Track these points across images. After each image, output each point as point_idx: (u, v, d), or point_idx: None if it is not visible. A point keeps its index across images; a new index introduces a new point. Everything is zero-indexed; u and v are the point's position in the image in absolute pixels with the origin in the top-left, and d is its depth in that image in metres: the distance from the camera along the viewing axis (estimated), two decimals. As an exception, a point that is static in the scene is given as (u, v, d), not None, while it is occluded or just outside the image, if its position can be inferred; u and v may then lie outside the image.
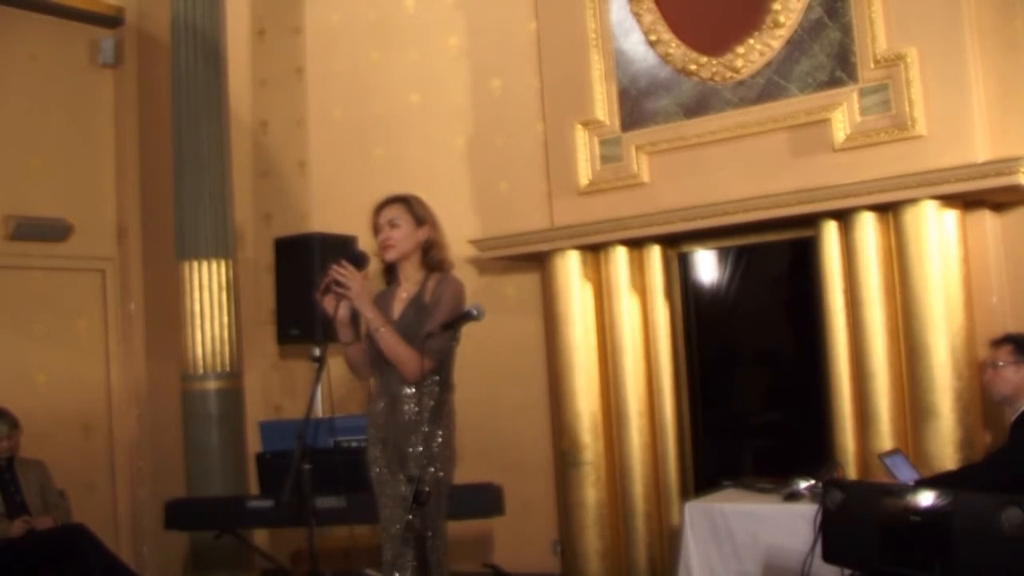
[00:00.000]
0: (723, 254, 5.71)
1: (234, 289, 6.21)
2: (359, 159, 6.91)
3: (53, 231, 6.75)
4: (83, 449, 6.76)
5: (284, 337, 6.28)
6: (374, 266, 4.06)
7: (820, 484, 4.24)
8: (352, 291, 3.81)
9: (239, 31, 6.81)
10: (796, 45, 5.28)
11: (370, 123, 6.94)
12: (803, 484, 4.48)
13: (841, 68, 5.13)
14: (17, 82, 6.67)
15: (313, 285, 5.84)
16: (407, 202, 4.02)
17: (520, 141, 6.36)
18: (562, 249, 5.85)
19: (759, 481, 4.82)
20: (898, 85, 4.96)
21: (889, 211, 4.94)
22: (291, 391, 6.98)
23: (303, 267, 6.06)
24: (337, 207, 6.73)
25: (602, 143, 5.91)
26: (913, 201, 4.82)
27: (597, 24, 5.94)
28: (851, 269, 5.01)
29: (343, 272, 3.81)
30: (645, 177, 5.75)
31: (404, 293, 3.99)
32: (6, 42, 6.63)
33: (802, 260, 5.33)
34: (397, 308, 3.97)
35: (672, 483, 5.62)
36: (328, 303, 3.87)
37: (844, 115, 5.10)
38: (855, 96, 5.08)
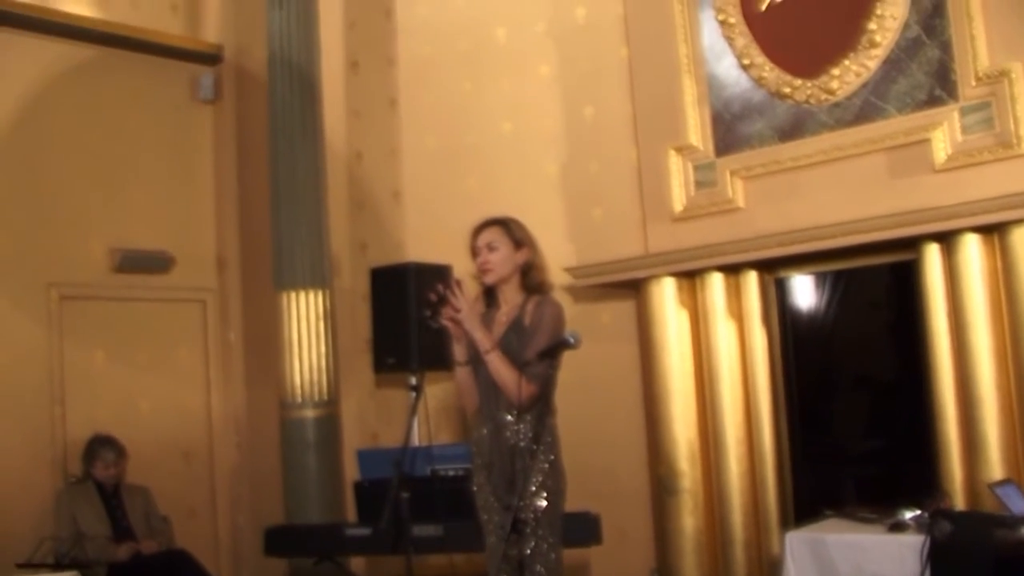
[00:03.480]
0: (820, 279, 5.64)
1: (331, 318, 6.25)
2: (453, 188, 6.95)
3: (156, 263, 6.87)
4: (184, 475, 6.85)
5: (380, 366, 6.30)
6: (472, 289, 4.04)
7: (927, 514, 4.15)
8: (462, 312, 3.78)
9: (333, 64, 6.90)
10: (893, 64, 5.21)
11: (463, 152, 6.98)
12: (909, 514, 4.37)
13: (941, 86, 5.05)
14: (121, 120, 6.84)
15: (409, 314, 6.03)
16: (505, 225, 4.01)
17: (613, 168, 6.35)
18: (657, 276, 5.83)
19: (861, 510, 4.71)
20: (1002, 102, 4.87)
21: (994, 232, 4.84)
22: (387, 419, 6.99)
23: (399, 296, 6.08)
24: (431, 236, 6.76)
25: (696, 168, 5.89)
26: (1020, 222, 4.72)
27: (689, 49, 5.93)
28: (955, 292, 4.92)
29: (454, 293, 3.79)
30: (740, 202, 5.72)
31: (504, 316, 3.95)
32: (111, 82, 6.81)
33: (902, 284, 5.25)
34: (497, 331, 3.94)
35: (771, 511, 5.55)
36: (447, 322, 3.85)
37: (944, 134, 5.02)
38: (956, 115, 5.00)
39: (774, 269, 5.68)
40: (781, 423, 5.65)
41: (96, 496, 5.91)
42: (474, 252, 4.00)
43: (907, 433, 5.23)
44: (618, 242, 6.19)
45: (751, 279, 5.66)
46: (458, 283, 3.82)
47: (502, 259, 3.94)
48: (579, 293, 6.28)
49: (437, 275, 5.78)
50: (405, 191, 7.18)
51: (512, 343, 3.85)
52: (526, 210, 5.98)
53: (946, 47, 5.03)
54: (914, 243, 5.04)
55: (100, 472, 5.95)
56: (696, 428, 5.76)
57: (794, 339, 5.70)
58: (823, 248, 5.27)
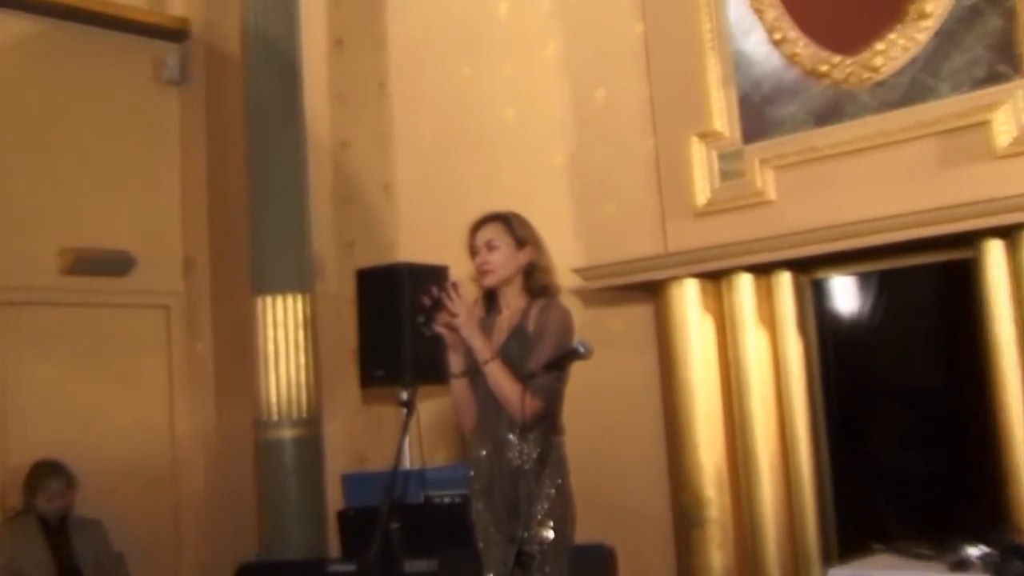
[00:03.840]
0: (864, 280, 5.53)
1: (313, 326, 6.30)
2: (449, 181, 6.96)
3: (113, 264, 6.90)
4: (145, 506, 6.83)
5: (368, 379, 6.32)
6: (470, 292, 4.12)
7: (997, 552, 4.06)
8: (460, 318, 3.85)
9: (315, 43, 7.00)
10: (946, 38, 5.11)
11: (461, 142, 7.00)
12: (973, 550, 4.24)
13: (1004, 61, 4.93)
14: (74, 103, 6.91)
15: (401, 321, 6.03)
16: (507, 221, 4.12)
17: (628, 158, 6.30)
18: (678, 277, 5.75)
19: (916, 545, 4.59)
20: (1077, 78, 4.81)
21: (1066, 226, 4.76)
22: (377, 440, 7.01)
23: (389, 301, 6.12)
24: (426, 234, 6.80)
25: (721, 157, 5.82)
26: (1098, 214, 4.64)
27: (712, 24, 5.86)
28: (1021, 294, 4.81)
29: (451, 296, 3.87)
30: (771, 194, 5.63)
31: (505, 323, 4.04)
32: (62, 60, 6.88)
33: (958, 285, 5.12)
34: (497, 339, 4.01)
35: (811, 546, 5.45)
36: (442, 329, 3.97)
37: (1008, 116, 4.90)
38: (1022, 93, 4.88)
39: (810, 269, 5.58)
40: (821, 444, 5.55)
41: (38, 532, 5.81)
42: (472, 251, 4.10)
43: (967, 456, 5.12)
44: (633, 240, 6.15)
45: (784, 281, 5.57)
46: (455, 286, 3.91)
47: (503, 259, 4.05)
48: (590, 297, 6.23)
49: (432, 277, 5.83)
50: (396, 184, 7.20)
51: (514, 352, 3.92)
52: (530, 205, 6.01)
53: (1010, 15, 4.91)
54: (972, 239, 4.92)
55: (44, 504, 5.86)
56: (723, 450, 5.67)
57: (834, 348, 5.60)
58: (866, 245, 5.15)
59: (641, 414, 6.15)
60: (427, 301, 3.90)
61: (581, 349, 3.69)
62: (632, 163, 6.27)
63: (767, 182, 5.63)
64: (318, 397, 6.29)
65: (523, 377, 3.76)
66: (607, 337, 6.19)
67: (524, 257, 4.06)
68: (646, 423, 6.13)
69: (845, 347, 5.58)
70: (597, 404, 6.04)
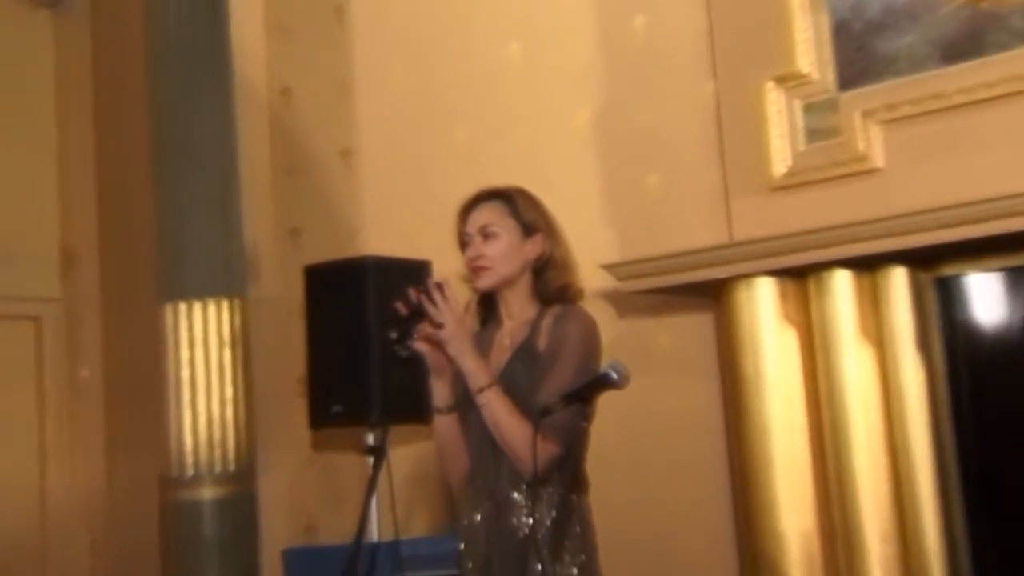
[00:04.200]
0: (1011, 278, 5.54)
1: (244, 345, 6.33)
2: (431, 145, 7.02)
3: None
4: None
5: (322, 417, 6.36)
6: (461, 295, 4.10)
7: None
8: (447, 331, 3.86)
9: None
10: None
11: (448, 89, 7.04)
12: None
13: None
14: None
15: (366, 337, 6.04)
16: (509, 200, 4.13)
17: (678, 111, 6.35)
18: (748, 275, 5.77)
19: None
20: None
21: None
22: (332, 501, 7.03)
23: (350, 310, 6.16)
24: (400, 218, 6.88)
25: (808, 109, 5.85)
26: None
27: None
28: None
29: (434, 302, 3.87)
30: (878, 160, 5.66)
31: (508, 338, 4.06)
32: None
33: None
34: (499, 359, 4.02)
35: None
36: (423, 347, 3.98)
37: None
38: None
39: (933, 264, 5.59)
40: (953, 506, 5.52)
41: None
42: (462, 242, 4.13)
43: None
44: (685, 225, 6.21)
45: (897, 279, 5.59)
46: (440, 287, 3.91)
47: (504, 252, 4.07)
48: (626, 303, 6.28)
49: (408, 276, 5.73)
50: (359, 149, 7.28)
51: (521, 378, 3.94)
52: (543, 178, 5.97)
53: None
54: None
55: None
56: (814, 514, 5.68)
57: (968, 372, 5.58)
58: (1011, 231, 5.14)
59: (697, 461, 6.17)
60: (402, 309, 3.90)
61: (613, 374, 3.64)
62: (683, 119, 6.30)
63: (872, 143, 5.65)
64: (251, 443, 6.28)
65: (533, 412, 3.72)
66: (649, 357, 6.22)
67: (533, 249, 4.07)
68: (704, 475, 6.15)
69: (984, 370, 5.56)
70: (637, 448, 6.11)
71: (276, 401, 6.87)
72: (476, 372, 3.86)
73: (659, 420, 6.18)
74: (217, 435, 6.18)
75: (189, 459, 6.14)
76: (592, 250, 5.91)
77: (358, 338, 6.09)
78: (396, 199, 7.04)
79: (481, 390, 3.84)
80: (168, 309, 6.21)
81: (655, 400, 6.08)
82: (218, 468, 6.16)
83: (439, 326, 3.84)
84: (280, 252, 7.17)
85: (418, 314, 3.88)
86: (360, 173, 7.27)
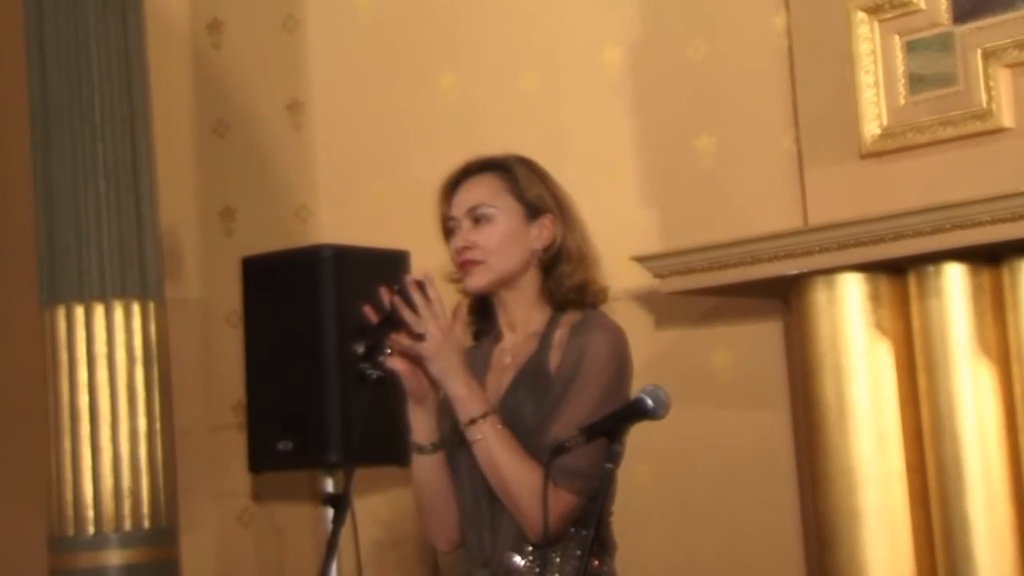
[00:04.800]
0: None
1: (161, 361, 6.37)
2: (408, 96, 7.06)
3: None
4: None
5: (264, 457, 6.42)
6: (449, 298, 4.07)
7: None
8: (429, 344, 3.83)
9: None
10: None
11: (429, 21, 7.11)
12: None
13: None
14: None
15: (322, 352, 6.11)
16: (507, 171, 4.12)
17: (737, 51, 6.44)
18: (829, 271, 5.85)
19: None
20: None
21: None
22: (277, 568, 7.11)
23: (302, 314, 6.22)
24: (366, 193, 6.99)
25: (911, 48, 5.93)
26: None
27: None
28: None
29: (413, 305, 3.84)
30: (1005, 117, 5.72)
31: (509, 356, 4.06)
32: None
33: None
34: (497, 382, 4.04)
35: None
36: (398, 366, 3.93)
37: None
38: None
39: None
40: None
41: None
42: (447, 227, 4.13)
43: None
44: (745, 204, 6.31)
45: None
46: (420, 286, 3.88)
47: (502, 240, 4.05)
48: (665, 307, 6.38)
49: (378, 271, 5.88)
50: (312, 101, 7.35)
51: (526, 407, 3.93)
52: (556, 140, 6.23)
53: None
54: None
55: None
56: None
57: None
58: None
59: (760, 515, 6.23)
60: (371, 315, 3.89)
61: (648, 402, 3.59)
62: (744, 62, 6.39)
63: (998, 94, 5.71)
64: (171, 492, 6.31)
65: (543, 452, 3.69)
66: (697, 379, 6.30)
67: (540, 236, 4.06)
68: (769, 531, 6.22)
69: None
70: (680, 498, 6.17)
71: (204, 436, 6.94)
72: (468, 398, 3.83)
73: (709, 461, 6.22)
74: (126, 481, 6.18)
75: (88, 514, 6.15)
76: (622, 237, 6.00)
77: (312, 353, 6.15)
78: (360, 169, 7.10)
79: (474, 422, 3.81)
80: (59, 315, 6.25)
81: (704, 435, 6.16)
82: (127, 526, 6.17)
83: (419, 338, 3.81)
84: (208, 239, 7.26)
85: (391, 322, 3.84)
86: (312, 134, 7.32)
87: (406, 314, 3.81)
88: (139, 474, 6.23)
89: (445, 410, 3.93)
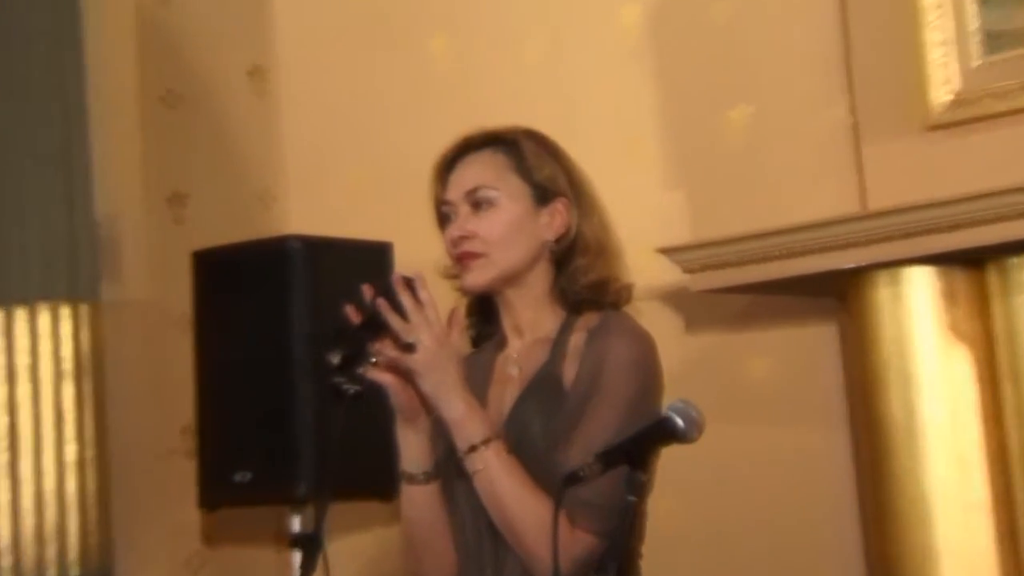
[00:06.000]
0: None
1: (96, 376, 6.43)
2: (392, 61, 7.09)
3: None
4: None
5: (219, 491, 6.41)
6: (442, 299, 4.03)
7: None
8: (420, 354, 3.79)
9: None
10: None
11: None
12: None
13: None
14: None
15: (289, 363, 6.13)
16: (512, 147, 4.11)
17: (774, 4, 6.47)
18: (893, 264, 5.83)
19: None
20: None
21: None
22: None
23: (265, 318, 6.22)
24: (342, 175, 7.03)
25: (987, 1, 5.90)
26: None
27: None
28: None
29: (400, 306, 3.79)
30: None
31: (516, 366, 4.06)
32: None
33: None
34: (500, 399, 4.04)
35: None
36: (382, 377, 3.88)
37: None
38: None
39: None
40: None
41: None
42: (441, 213, 4.13)
43: None
44: (792, 185, 6.33)
45: None
46: (409, 284, 3.85)
47: (506, 229, 4.04)
48: (699, 308, 6.38)
49: (357, 266, 6.00)
50: (278, 67, 7.42)
51: (535, 428, 3.92)
52: (570, 111, 6.27)
53: None
54: None
55: None
56: None
57: None
58: None
59: (815, 553, 6.22)
60: (351, 316, 3.84)
61: (678, 421, 3.52)
62: (784, 15, 6.41)
63: (1094, 54, 5.78)
64: (107, 531, 6.35)
65: (555, 481, 3.62)
66: (738, 392, 6.32)
67: (552, 224, 4.04)
68: (828, 570, 6.22)
69: None
70: (720, 535, 6.16)
71: (147, 465, 6.88)
72: (466, 421, 3.81)
73: (751, 493, 6.22)
74: (52, 519, 6.21)
75: (5, 561, 6.16)
76: (645, 226, 6.00)
77: (278, 364, 6.14)
78: (335, 147, 7.13)
79: (474, 449, 3.79)
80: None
81: (745, 461, 6.16)
82: (52, 573, 6.21)
83: (408, 348, 3.78)
84: (154, 230, 7.18)
85: (374, 327, 3.81)
86: (278, 105, 7.37)
87: (392, 320, 3.76)
88: (67, 511, 6.26)
89: (440, 431, 3.90)
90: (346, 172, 6.99)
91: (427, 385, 3.81)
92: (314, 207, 6.97)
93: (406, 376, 3.83)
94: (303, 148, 7.27)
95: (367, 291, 3.80)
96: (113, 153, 6.85)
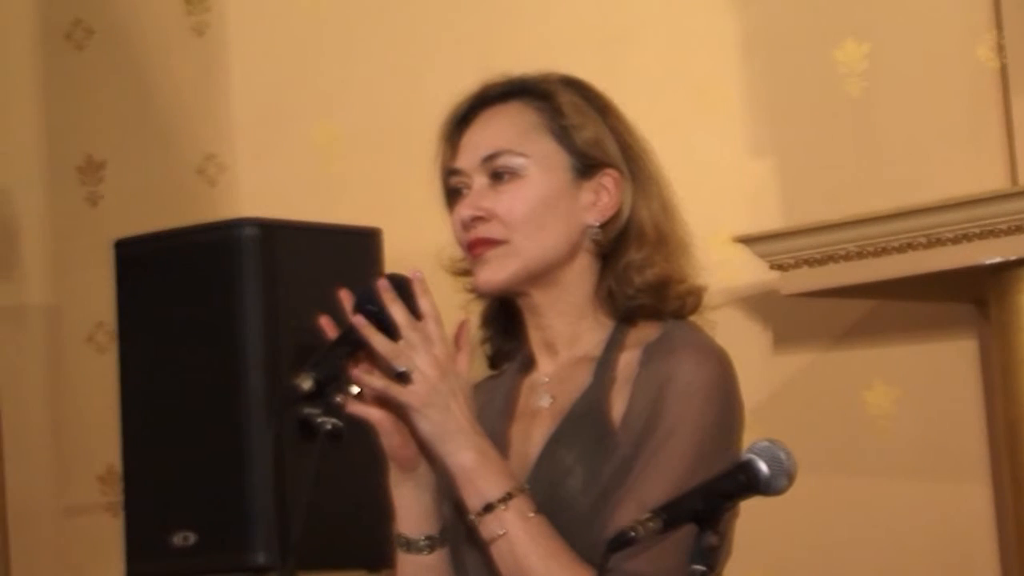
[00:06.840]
0: None
1: None
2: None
3: None
4: None
5: (152, 556, 6.48)
6: (446, 304, 4.03)
7: None
8: (417, 385, 3.77)
9: None
10: None
11: None
12: None
13: None
14: None
15: (244, 388, 6.23)
16: (545, 100, 4.09)
17: None
18: None
19: None
20: None
21: None
22: None
23: (210, 327, 6.28)
24: (308, 137, 7.03)
25: None
26: None
27: None
28: None
29: (393, 316, 3.79)
30: None
31: (548, 395, 4.04)
32: None
33: None
34: (527, 440, 4.01)
35: None
36: (368, 413, 3.85)
37: None
38: None
39: None
40: None
41: None
42: (450, 186, 4.14)
43: None
44: (915, 151, 6.38)
45: None
46: (400, 285, 3.86)
47: (534, 207, 4.03)
48: (789, 316, 6.44)
49: (333, 259, 6.09)
50: (225, 14, 7.40)
51: (574, 478, 3.91)
52: (619, 55, 6.26)
53: None
54: None
55: None
56: None
57: None
58: None
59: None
60: (326, 329, 3.82)
61: (762, 466, 3.54)
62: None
63: None
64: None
65: (598, 547, 3.56)
66: (844, 428, 6.39)
67: (598, 204, 4.04)
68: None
69: None
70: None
71: (55, 523, 6.94)
72: (479, 470, 3.80)
73: (861, 560, 6.22)
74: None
75: None
76: (724, 207, 6.19)
77: (227, 390, 6.21)
78: (299, 100, 7.18)
79: (490, 508, 3.78)
80: None
81: (853, 518, 6.19)
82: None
83: (402, 377, 3.78)
84: (60, 210, 7.28)
85: (355, 345, 3.79)
86: (224, 44, 7.37)
87: (376, 342, 3.74)
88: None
89: (447, 483, 3.85)
90: (313, 133, 6.99)
91: (426, 425, 3.79)
92: (271, 180, 7.01)
93: (398, 411, 3.79)
94: (256, 102, 7.29)
95: (344, 298, 3.78)
96: (3, 107, 6.92)
